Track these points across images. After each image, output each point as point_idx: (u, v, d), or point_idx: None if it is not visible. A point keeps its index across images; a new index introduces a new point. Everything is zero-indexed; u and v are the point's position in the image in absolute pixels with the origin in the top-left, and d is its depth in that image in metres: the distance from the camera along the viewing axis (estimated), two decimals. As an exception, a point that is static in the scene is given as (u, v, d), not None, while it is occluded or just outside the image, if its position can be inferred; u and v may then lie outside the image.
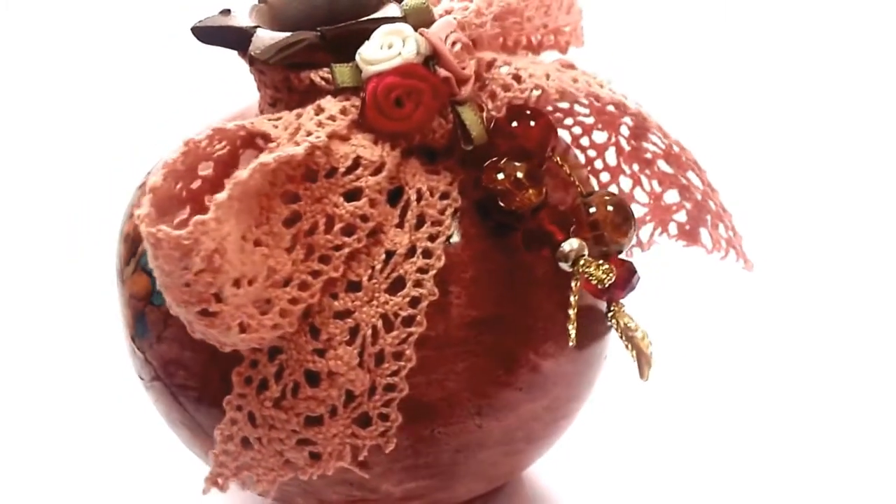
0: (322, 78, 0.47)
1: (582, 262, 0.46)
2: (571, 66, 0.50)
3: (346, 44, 0.47)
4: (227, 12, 0.50)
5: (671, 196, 0.54)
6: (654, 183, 0.54)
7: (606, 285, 0.46)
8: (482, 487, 0.52)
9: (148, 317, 0.50)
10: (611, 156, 0.54)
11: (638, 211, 0.55)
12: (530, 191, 0.47)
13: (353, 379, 0.45)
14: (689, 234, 0.55)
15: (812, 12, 1.06)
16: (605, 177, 0.54)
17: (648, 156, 0.53)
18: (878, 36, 1.03)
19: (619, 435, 0.63)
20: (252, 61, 0.48)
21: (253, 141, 0.46)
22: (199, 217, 0.41)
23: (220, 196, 0.42)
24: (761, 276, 0.57)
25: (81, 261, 0.78)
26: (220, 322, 0.43)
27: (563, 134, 0.54)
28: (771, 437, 0.63)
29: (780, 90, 0.99)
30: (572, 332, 0.46)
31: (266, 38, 0.47)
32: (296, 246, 0.45)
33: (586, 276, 0.46)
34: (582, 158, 0.54)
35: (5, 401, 0.69)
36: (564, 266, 0.46)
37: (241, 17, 0.49)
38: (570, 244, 0.46)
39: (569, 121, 0.53)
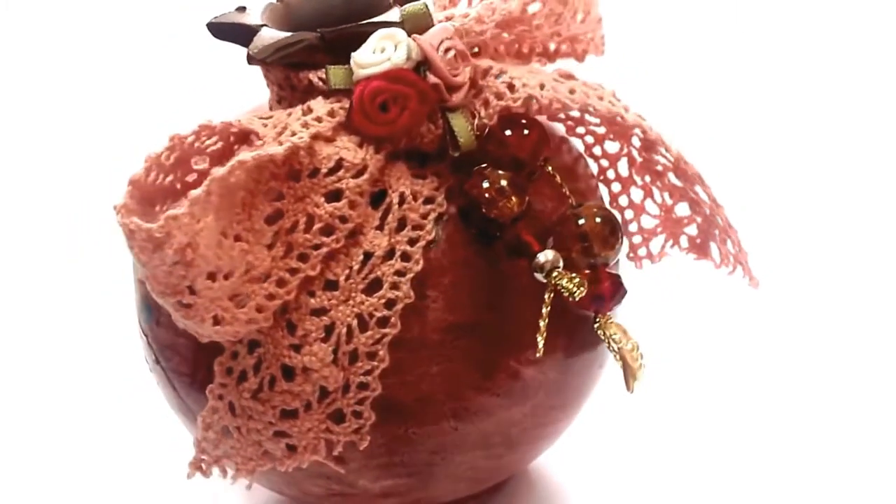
0: (319, 79, 0.48)
1: (555, 273, 0.46)
2: (570, 77, 0.50)
3: (346, 46, 0.48)
4: (242, 9, 0.51)
5: (682, 209, 0.53)
6: (666, 195, 0.53)
7: (576, 298, 0.46)
8: (465, 489, 0.52)
9: (150, 300, 0.51)
10: (623, 166, 0.54)
11: (649, 222, 0.55)
12: (513, 199, 0.47)
13: (326, 375, 0.46)
14: (699, 248, 0.54)
15: (814, 31, 1.04)
16: (616, 187, 0.54)
17: (659, 168, 0.52)
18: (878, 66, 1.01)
19: (626, 433, 0.63)
20: (251, 59, 0.49)
21: (248, 137, 0.47)
22: (171, 212, 0.42)
23: (196, 192, 0.43)
24: (765, 289, 0.56)
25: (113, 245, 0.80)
26: (194, 313, 0.44)
27: (577, 143, 0.53)
28: (774, 437, 0.63)
29: (783, 105, 0.98)
30: (540, 343, 0.47)
31: (267, 37, 0.48)
32: (276, 243, 0.46)
33: (558, 287, 0.46)
34: (594, 168, 0.54)
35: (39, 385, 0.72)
36: (539, 277, 0.46)
37: (256, 16, 0.51)
38: (546, 255, 0.46)
39: (581, 129, 0.53)
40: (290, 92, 0.50)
